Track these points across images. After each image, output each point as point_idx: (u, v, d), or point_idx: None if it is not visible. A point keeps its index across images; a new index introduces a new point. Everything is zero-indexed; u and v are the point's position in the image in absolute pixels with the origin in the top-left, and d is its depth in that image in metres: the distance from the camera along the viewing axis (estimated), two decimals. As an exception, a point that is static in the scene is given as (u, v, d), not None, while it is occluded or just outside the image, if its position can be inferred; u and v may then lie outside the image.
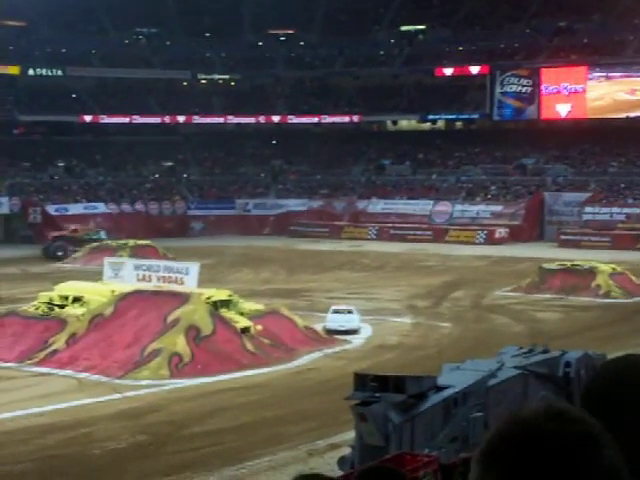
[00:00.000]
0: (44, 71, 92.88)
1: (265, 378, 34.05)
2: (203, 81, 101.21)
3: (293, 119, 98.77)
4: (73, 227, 69.56)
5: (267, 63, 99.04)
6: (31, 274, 56.61)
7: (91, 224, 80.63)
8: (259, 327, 38.03)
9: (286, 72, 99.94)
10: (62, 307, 39.77)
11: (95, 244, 65.78)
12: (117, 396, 31.67)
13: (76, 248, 65.77)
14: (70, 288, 41.48)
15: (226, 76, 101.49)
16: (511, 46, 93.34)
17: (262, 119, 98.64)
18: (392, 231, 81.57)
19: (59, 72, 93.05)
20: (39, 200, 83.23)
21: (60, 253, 66.25)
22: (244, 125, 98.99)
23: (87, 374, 34.42)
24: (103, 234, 69.60)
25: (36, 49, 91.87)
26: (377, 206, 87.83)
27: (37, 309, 40.00)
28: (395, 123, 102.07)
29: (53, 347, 36.93)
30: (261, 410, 29.33)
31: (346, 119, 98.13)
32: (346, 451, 21.92)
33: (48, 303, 40.11)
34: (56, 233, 68.43)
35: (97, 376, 34.17)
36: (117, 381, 33.50)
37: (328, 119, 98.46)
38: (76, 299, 40.00)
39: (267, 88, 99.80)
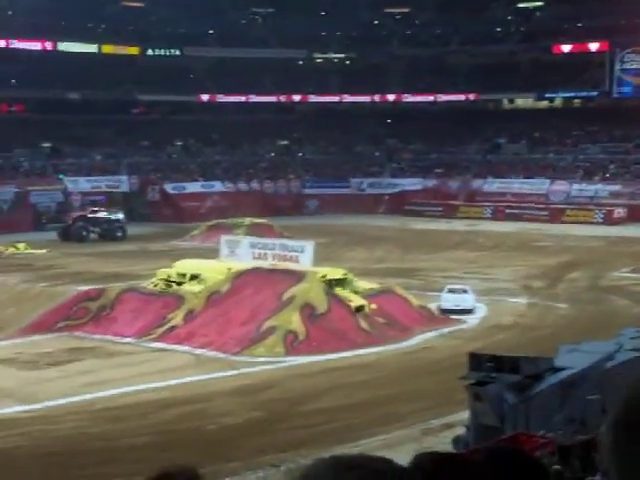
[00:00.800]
0: (162, 51, 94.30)
1: (379, 357, 34.13)
2: (319, 60, 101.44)
3: (408, 97, 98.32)
4: (93, 208, 68.93)
5: (382, 41, 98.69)
6: (150, 251, 57.65)
7: (208, 202, 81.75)
8: (373, 306, 38.11)
9: (401, 50, 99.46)
10: (180, 284, 40.47)
11: (213, 222, 66.61)
12: (233, 372, 32.14)
13: (95, 228, 66.43)
14: (188, 265, 42.15)
15: (341, 55, 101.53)
16: (632, 22, 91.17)
17: (377, 98, 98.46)
18: (508, 210, 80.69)
19: (177, 52, 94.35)
20: (157, 179, 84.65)
21: (84, 233, 66.18)
22: (359, 104, 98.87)
23: (204, 350, 34.99)
24: (121, 215, 69.01)
25: (155, 29, 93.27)
26: (493, 185, 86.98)
27: (156, 286, 40.78)
28: (511, 101, 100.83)
29: (171, 323, 37.63)
30: (375, 388, 29.43)
31: (462, 97, 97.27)
32: (460, 431, 21.90)
33: (166, 280, 40.85)
34: (76, 214, 68.10)
35: (214, 352, 34.71)
36: (233, 357, 33.98)
37: (443, 97, 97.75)
38: (193, 276, 40.65)
39: (382, 66, 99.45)
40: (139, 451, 23.57)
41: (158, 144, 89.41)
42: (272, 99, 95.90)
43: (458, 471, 1.62)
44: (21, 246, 56.86)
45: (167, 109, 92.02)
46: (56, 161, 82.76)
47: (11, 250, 55.82)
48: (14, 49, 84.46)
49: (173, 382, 30.75)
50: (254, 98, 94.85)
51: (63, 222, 76.00)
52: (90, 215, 67.45)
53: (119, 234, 67.03)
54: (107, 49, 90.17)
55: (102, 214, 68.13)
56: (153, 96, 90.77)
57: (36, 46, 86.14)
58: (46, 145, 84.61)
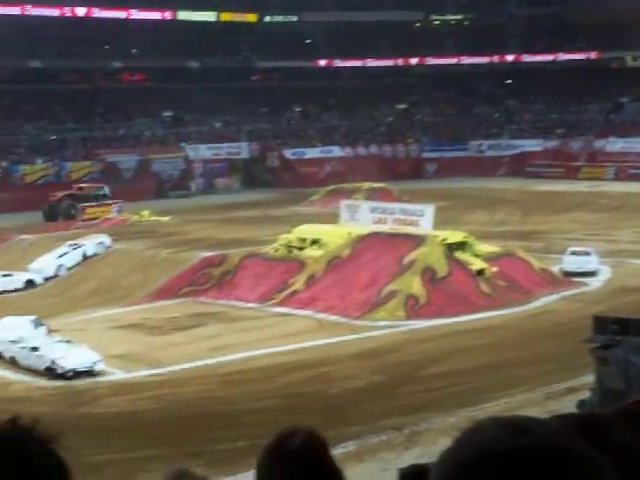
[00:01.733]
0: (280, 17, 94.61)
1: (501, 320, 33.91)
2: (436, 22, 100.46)
3: (527, 57, 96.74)
4: (78, 185, 65.54)
5: (500, 1, 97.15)
6: (271, 217, 58.18)
7: (327, 168, 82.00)
8: (494, 269, 37.85)
9: (520, 10, 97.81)
10: (300, 249, 40.80)
11: (332, 187, 66.82)
12: (354, 336, 32.33)
13: (83, 205, 62.82)
14: (308, 230, 42.44)
15: (459, 16, 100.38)
16: None
17: (496, 59, 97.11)
18: (631, 171, 78.94)
19: (294, 18, 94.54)
20: (277, 145, 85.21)
21: (72, 211, 62.47)
22: (477, 65, 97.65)
23: (326, 314, 35.27)
24: (107, 190, 65.57)
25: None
26: (615, 145, 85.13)
27: (277, 251, 41.19)
28: (635, 59, 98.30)
29: (293, 288, 38.00)
30: (497, 352, 29.28)
31: (582, 56, 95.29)
32: (585, 394, 21.67)
33: (287, 245, 41.22)
34: (61, 193, 64.12)
35: (335, 316, 34.97)
36: (354, 322, 34.18)
37: (564, 57, 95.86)
38: (314, 241, 40.92)
39: (501, 27, 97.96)
40: (263, 414, 23.93)
41: (277, 110, 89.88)
42: (389, 63, 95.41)
43: (600, 431, 1.60)
44: (145, 214, 57.96)
45: (285, 75, 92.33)
46: (177, 129, 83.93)
47: (135, 218, 56.97)
48: (134, 19, 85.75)
49: (296, 346, 31.09)
50: (371, 62, 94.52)
51: (186, 189, 77.36)
52: (76, 192, 64.53)
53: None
54: (225, 17, 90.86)
55: (87, 190, 65.29)
56: (271, 62, 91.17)
57: (156, 16, 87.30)
58: (167, 114, 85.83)
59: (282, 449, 2.54)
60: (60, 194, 63.33)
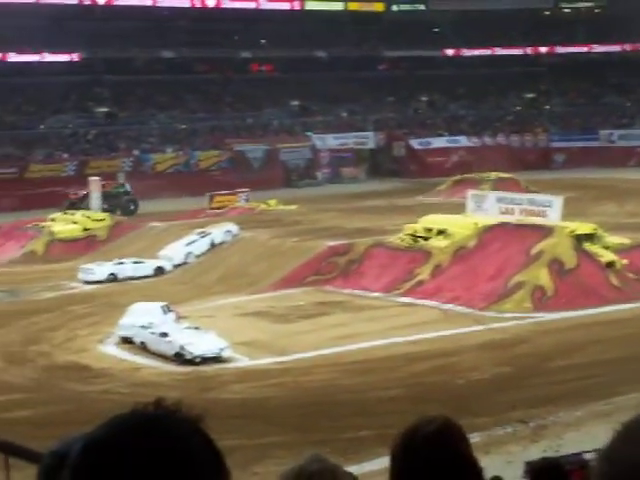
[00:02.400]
0: (407, 6, 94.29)
1: (631, 313, 33.23)
2: (566, 10, 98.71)
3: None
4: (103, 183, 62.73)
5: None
6: (397, 206, 58.07)
7: (453, 157, 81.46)
8: (625, 261, 37.08)
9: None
10: (426, 239, 40.65)
11: (458, 177, 66.38)
12: (480, 327, 32.10)
13: (110, 205, 60.41)
14: (434, 220, 42.26)
15: (590, 3, 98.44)
16: None
17: (628, 47, 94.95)
18: None
19: (422, 7, 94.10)
20: (403, 134, 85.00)
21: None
22: (608, 53, 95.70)
23: (451, 305, 35.09)
24: (128, 187, 64.33)
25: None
26: None
27: (402, 241, 41.11)
28: None
29: (418, 278, 37.89)
30: (628, 345, 28.69)
31: None
32: None
33: (413, 235, 41.11)
34: (82, 191, 61.46)
35: (461, 307, 34.76)
36: (480, 312, 33.92)
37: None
38: (440, 231, 40.72)
39: (632, 14, 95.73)
40: (389, 404, 23.96)
41: (403, 100, 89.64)
42: (518, 52, 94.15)
43: None
44: (272, 203, 58.48)
45: (412, 64, 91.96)
46: (304, 119, 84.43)
47: (262, 207, 57.51)
48: (263, 10, 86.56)
49: (420, 336, 31.02)
50: (499, 51, 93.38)
51: (312, 179, 77.80)
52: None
53: (131, 207, 62.62)
54: (353, 6, 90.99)
55: (108, 187, 63.06)
56: (398, 52, 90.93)
57: (284, 6, 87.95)
58: (294, 103, 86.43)
59: (418, 436, 2.55)
60: (81, 192, 61.29)
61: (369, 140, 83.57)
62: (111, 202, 61.32)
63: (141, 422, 1.66)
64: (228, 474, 1.71)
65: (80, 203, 59.89)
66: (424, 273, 38.07)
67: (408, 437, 2.57)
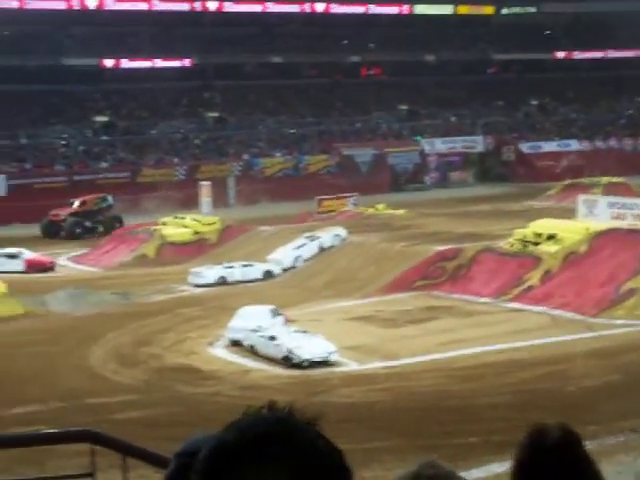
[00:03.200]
0: (518, 9, 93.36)
1: None
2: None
3: None
4: (80, 200, 59.43)
5: None
6: (506, 211, 57.53)
7: (564, 162, 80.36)
8: None
9: None
10: (536, 244, 40.20)
11: (568, 181, 65.51)
12: (591, 334, 31.61)
13: (93, 223, 58.54)
14: (544, 225, 41.77)
15: None
16: None
17: None
18: None
19: (532, 9, 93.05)
20: (512, 138, 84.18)
21: (79, 230, 57.97)
22: None
23: (561, 311, 34.65)
24: (110, 199, 60.54)
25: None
26: None
27: (512, 246, 40.74)
28: None
29: (527, 284, 37.50)
30: None
31: None
32: None
33: (522, 240, 40.71)
34: (63, 211, 58.72)
35: (571, 313, 34.30)
36: (591, 319, 33.43)
37: None
38: (550, 236, 40.23)
39: None
40: (497, 410, 23.79)
41: (513, 103, 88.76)
42: (630, 54, 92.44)
43: None
44: (380, 207, 58.49)
45: (522, 67, 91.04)
46: (412, 123, 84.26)
47: (370, 211, 57.57)
48: (372, 14, 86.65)
49: (530, 342, 30.70)
50: (612, 53, 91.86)
51: (420, 183, 77.60)
52: (79, 210, 59.08)
53: (116, 225, 58.00)
54: (462, 10, 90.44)
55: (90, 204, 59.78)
56: (508, 55, 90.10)
57: (393, 10, 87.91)
58: (403, 107, 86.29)
59: (542, 443, 2.56)
60: (63, 213, 58.58)
61: (478, 144, 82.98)
62: (93, 219, 59.05)
63: (267, 426, 1.69)
64: (352, 475, 1.75)
65: (62, 224, 57.74)
66: (533, 278, 37.67)
67: (532, 444, 2.59)
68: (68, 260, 51.01)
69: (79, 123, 74.05)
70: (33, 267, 47.52)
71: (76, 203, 59.32)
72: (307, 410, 1.76)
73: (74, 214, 58.86)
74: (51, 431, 6.04)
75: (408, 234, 46.99)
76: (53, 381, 28.55)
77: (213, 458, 1.68)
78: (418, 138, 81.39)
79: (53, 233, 57.66)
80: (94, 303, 39.10)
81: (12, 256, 47.70)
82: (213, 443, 1.69)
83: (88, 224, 58.40)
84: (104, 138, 73.61)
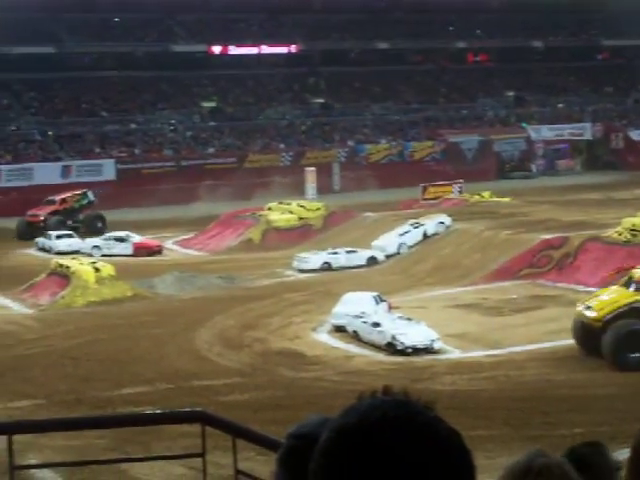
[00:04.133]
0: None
1: None
2: None
3: None
4: (59, 198, 56.29)
5: None
6: (614, 200, 56.56)
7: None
8: None
9: None
10: (646, 234, 39.44)
11: None
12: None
13: (73, 222, 55.41)
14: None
15: None
16: None
17: None
18: None
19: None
20: (621, 126, 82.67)
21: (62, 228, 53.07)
22: None
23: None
24: (90, 195, 57.36)
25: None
26: None
27: (620, 235, 40.03)
28: None
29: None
30: None
31: None
32: None
33: (631, 229, 39.96)
34: (43, 211, 55.48)
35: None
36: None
37: None
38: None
39: None
40: (602, 401, 23.49)
41: (622, 90, 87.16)
42: None
43: None
44: (486, 194, 58.04)
45: (633, 54, 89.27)
46: (519, 110, 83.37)
47: (476, 198, 57.16)
48: (481, 0, 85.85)
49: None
50: None
51: (526, 170, 76.72)
52: (60, 208, 55.86)
53: (98, 225, 55.28)
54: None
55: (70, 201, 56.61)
56: (618, 41, 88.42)
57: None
58: (510, 94, 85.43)
59: None
60: (42, 213, 55.35)
61: (586, 131, 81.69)
62: (74, 218, 55.64)
63: (388, 409, 1.71)
64: (472, 458, 1.77)
65: (42, 227, 53.41)
66: (643, 269, 36.95)
67: None
68: (175, 244, 51.79)
69: (187, 109, 75.03)
70: (141, 250, 48.39)
71: (56, 201, 56.19)
72: (421, 395, 1.78)
73: (54, 212, 55.57)
74: (165, 411, 6.19)
75: (514, 222, 46.54)
76: (160, 363, 29.06)
77: (335, 441, 1.70)
78: (525, 125, 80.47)
79: (29, 235, 53.13)
80: (200, 286, 39.65)
81: (121, 239, 48.67)
82: (335, 426, 1.71)
83: (69, 223, 54.82)
84: (211, 124, 74.43)
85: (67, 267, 39.21)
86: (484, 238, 43.38)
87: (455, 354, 29.42)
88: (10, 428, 6.17)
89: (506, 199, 56.47)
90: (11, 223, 54.79)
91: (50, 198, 56.36)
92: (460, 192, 61.14)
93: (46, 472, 18.70)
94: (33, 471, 17.80)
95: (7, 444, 5.93)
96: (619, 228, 40.52)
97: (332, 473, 1.68)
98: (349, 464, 1.67)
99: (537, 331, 30.84)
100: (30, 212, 55.28)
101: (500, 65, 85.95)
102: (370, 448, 1.66)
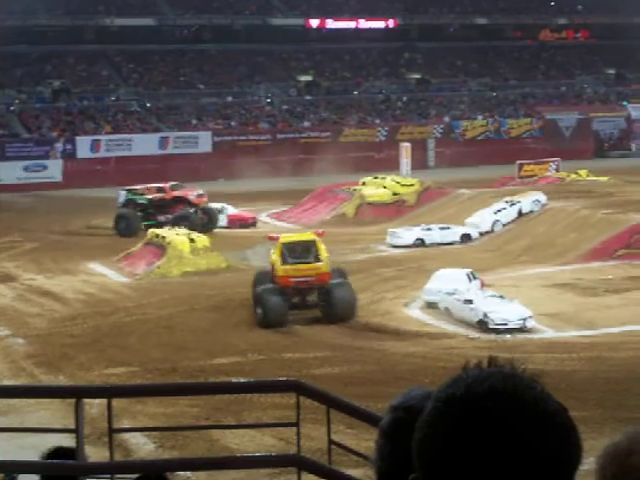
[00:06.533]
0: None
1: None
2: None
3: None
4: (149, 186, 49.13)
5: None
6: None
7: None
8: None
9: None
10: None
11: None
12: None
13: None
14: None
15: None
16: None
17: None
18: None
19: None
20: None
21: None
22: None
23: None
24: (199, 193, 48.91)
25: None
26: None
27: None
28: None
29: None
30: None
31: None
32: None
33: None
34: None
35: None
36: None
37: None
38: None
39: None
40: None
41: None
42: None
43: None
44: (582, 173, 57.21)
45: None
46: (620, 88, 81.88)
47: (573, 176, 56.39)
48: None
49: None
50: None
51: (625, 149, 75.39)
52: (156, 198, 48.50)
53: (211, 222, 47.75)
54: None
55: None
56: None
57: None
58: (610, 71, 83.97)
59: None
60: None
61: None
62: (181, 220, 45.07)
63: (495, 381, 1.71)
64: (579, 434, 1.76)
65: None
66: None
67: None
68: (269, 217, 52.12)
69: (283, 82, 75.33)
70: (236, 222, 48.83)
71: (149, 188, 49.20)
72: (528, 368, 1.78)
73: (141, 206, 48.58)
74: (261, 380, 6.28)
75: (611, 202, 45.82)
76: (251, 334, 29.35)
77: (442, 411, 1.71)
78: (625, 103, 79.03)
79: (126, 230, 46.20)
80: (293, 260, 39.84)
81: (216, 211, 49.03)
82: (442, 396, 1.72)
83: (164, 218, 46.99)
84: (307, 98, 74.60)
85: (163, 237, 39.75)
86: (580, 217, 42.81)
87: (548, 333, 29.15)
88: (109, 392, 6.33)
89: (604, 178, 55.60)
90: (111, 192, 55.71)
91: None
92: (557, 170, 60.35)
93: (139, 438, 19.07)
94: (127, 436, 18.18)
95: (107, 407, 6.08)
96: None
97: (438, 443, 1.69)
98: (456, 435, 1.67)
99: (632, 312, 30.37)
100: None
101: (601, 42, 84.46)
102: (477, 420, 1.67)
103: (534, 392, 1.72)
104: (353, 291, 31.24)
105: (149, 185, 49.57)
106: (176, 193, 48.85)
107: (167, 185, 49.55)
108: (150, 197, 48.57)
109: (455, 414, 1.69)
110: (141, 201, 48.50)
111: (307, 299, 31.62)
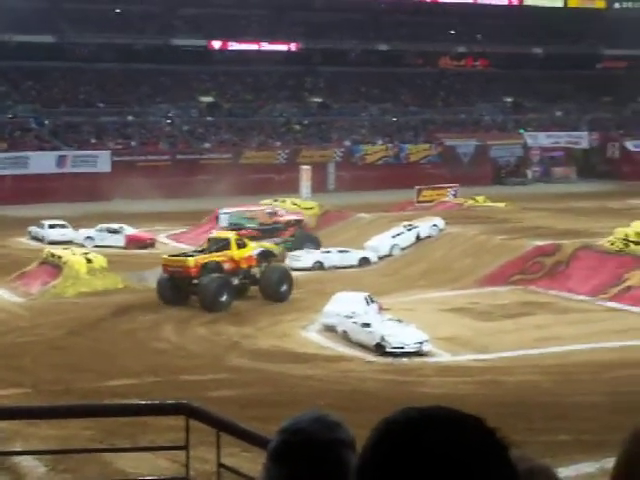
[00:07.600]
0: (630, 4, 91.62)
1: None
2: None
3: None
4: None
5: None
6: (608, 209, 56.57)
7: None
8: None
9: None
10: (638, 244, 39.51)
11: None
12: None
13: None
14: (647, 225, 41.02)
15: None
16: None
17: None
18: None
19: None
20: (618, 135, 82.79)
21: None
22: None
23: (661, 313, 34.00)
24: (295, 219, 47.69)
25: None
26: None
27: (612, 244, 40.11)
28: None
29: (627, 283, 36.88)
30: None
31: None
32: None
33: (624, 239, 40.04)
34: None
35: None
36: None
37: None
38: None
39: None
40: (587, 410, 23.49)
41: (620, 100, 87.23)
42: None
43: None
44: (480, 199, 58.07)
45: (632, 64, 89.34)
46: (517, 116, 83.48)
47: (470, 202, 57.20)
48: (480, 4, 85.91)
49: (627, 343, 30.19)
50: None
51: (522, 177, 76.77)
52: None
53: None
54: (573, 3, 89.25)
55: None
56: (618, 50, 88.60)
57: (502, 1, 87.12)
58: (508, 100, 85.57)
59: None
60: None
61: (582, 140, 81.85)
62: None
63: (431, 414, 1.73)
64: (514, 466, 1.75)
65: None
66: (634, 279, 37.02)
67: None
68: (168, 237, 51.75)
69: (185, 103, 75.02)
70: (133, 243, 48.38)
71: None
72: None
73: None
74: (150, 402, 6.20)
75: (507, 228, 46.60)
76: (148, 356, 29.05)
77: (380, 437, 1.70)
78: (522, 131, 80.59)
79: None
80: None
81: (113, 231, 48.66)
82: (382, 422, 1.72)
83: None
84: (208, 119, 74.41)
85: (59, 257, 39.18)
86: (477, 242, 43.43)
87: (444, 357, 29.43)
88: (-4, 414, 6.18)
89: (500, 204, 56.54)
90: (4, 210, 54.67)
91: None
92: (455, 196, 61.16)
93: (30, 460, 18.69)
94: (18, 459, 17.80)
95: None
96: (612, 237, 40.59)
97: (376, 470, 1.68)
98: (393, 462, 1.67)
99: (526, 337, 30.86)
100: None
101: (499, 71, 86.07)
102: (413, 447, 1.68)
103: (471, 420, 1.75)
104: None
105: (251, 207, 48.74)
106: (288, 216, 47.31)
107: (279, 209, 48.50)
108: (261, 221, 45.60)
109: (392, 440, 1.68)
110: (250, 225, 44.32)
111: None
